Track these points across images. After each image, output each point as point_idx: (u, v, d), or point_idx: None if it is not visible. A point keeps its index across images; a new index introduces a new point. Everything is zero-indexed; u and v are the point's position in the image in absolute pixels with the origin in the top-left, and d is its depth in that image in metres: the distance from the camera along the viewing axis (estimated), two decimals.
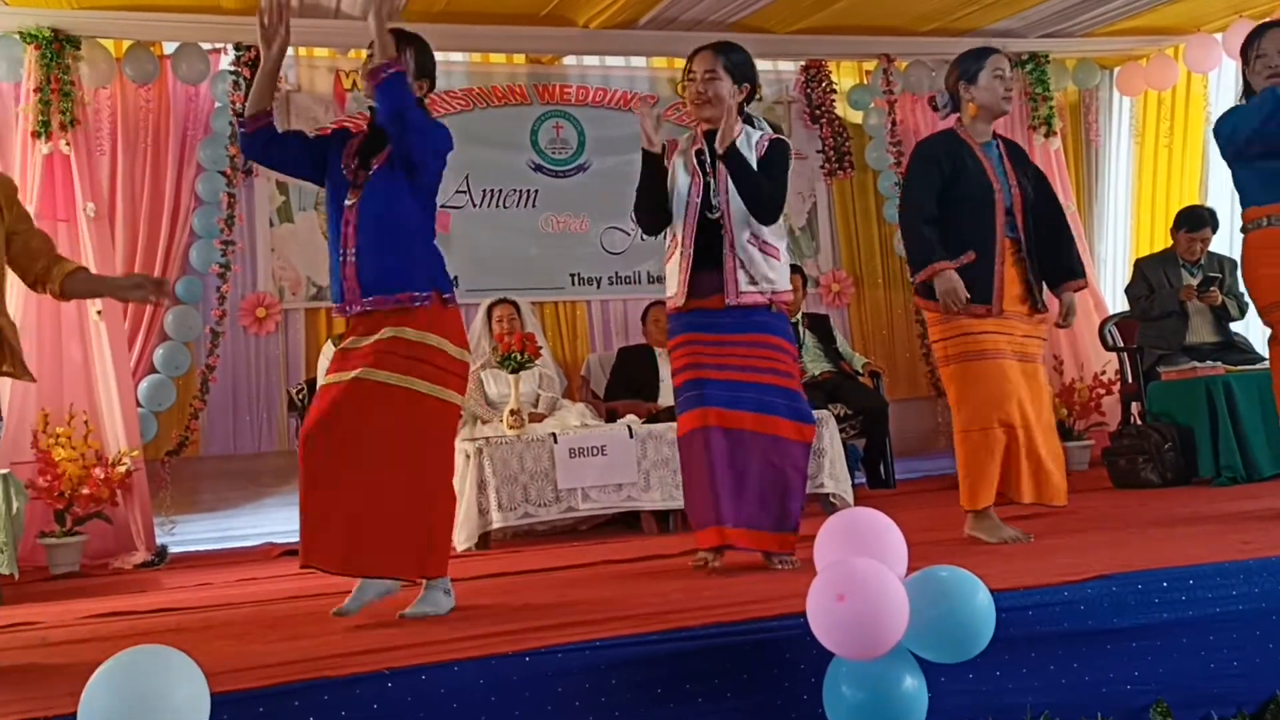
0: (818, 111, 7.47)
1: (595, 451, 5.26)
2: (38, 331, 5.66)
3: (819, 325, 6.92)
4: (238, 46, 6.20)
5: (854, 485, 5.78)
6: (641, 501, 5.32)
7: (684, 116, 3.57)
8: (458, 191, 6.89)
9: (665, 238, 3.82)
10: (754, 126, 3.75)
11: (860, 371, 6.79)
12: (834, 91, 7.48)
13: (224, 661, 2.43)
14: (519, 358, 5.48)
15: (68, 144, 5.75)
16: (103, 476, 5.40)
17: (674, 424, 5.35)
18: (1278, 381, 4.00)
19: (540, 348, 5.86)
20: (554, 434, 5.27)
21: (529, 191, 7.07)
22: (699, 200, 3.66)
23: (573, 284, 7.11)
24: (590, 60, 7.29)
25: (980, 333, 3.78)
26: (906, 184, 3.97)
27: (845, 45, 7.24)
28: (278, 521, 6.13)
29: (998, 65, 3.84)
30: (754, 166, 3.62)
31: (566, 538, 5.39)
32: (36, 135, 5.71)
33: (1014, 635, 2.45)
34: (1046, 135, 7.43)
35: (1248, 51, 3.98)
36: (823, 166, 7.56)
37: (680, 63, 7.33)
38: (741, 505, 3.56)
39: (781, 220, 3.73)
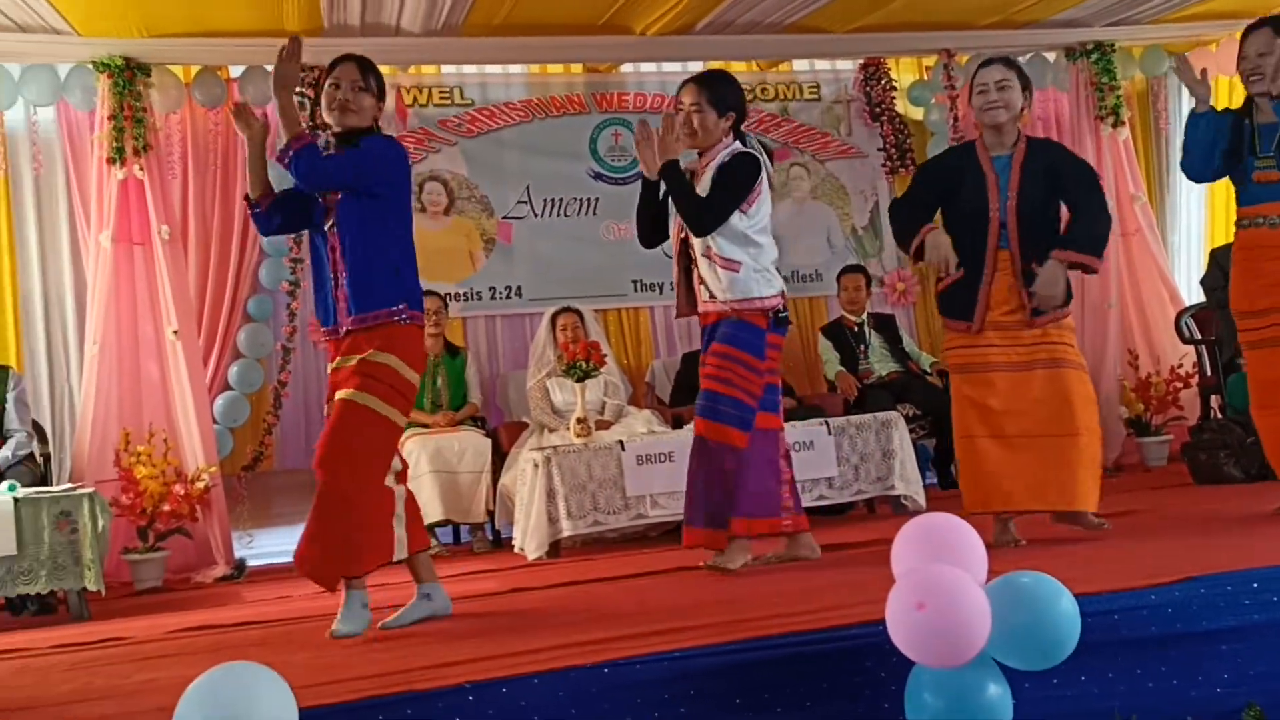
0: (878, 109, 7.41)
1: (663, 458, 5.25)
2: (117, 351, 5.82)
3: (885, 325, 6.86)
4: (302, 68, 6.29)
5: (925, 486, 5.73)
6: None
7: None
8: (519, 202, 6.94)
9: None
10: (745, 145, 3.95)
11: (928, 371, 6.72)
12: (894, 89, 7.42)
13: (308, 675, 2.47)
14: (584, 366, 5.50)
15: (141, 169, 5.90)
16: (182, 493, 5.52)
17: None
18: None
19: (605, 355, 5.88)
20: (621, 441, 5.28)
21: (589, 200, 7.11)
22: (680, 223, 3.94)
23: (635, 290, 7.13)
24: (647, 67, 7.30)
25: (978, 346, 3.81)
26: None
27: (904, 42, 7.18)
28: None
29: (981, 80, 3.82)
30: (691, 184, 3.89)
31: (636, 544, 5.38)
32: (111, 161, 5.86)
33: (1099, 640, 2.41)
34: (1114, 125, 7.29)
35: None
36: (884, 165, 7.50)
37: (738, 66, 7.42)
38: (694, 507, 3.92)
39: (745, 230, 3.84)
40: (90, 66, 5.93)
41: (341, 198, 3.33)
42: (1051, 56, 7.42)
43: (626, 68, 7.29)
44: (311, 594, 4.65)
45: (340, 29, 6.17)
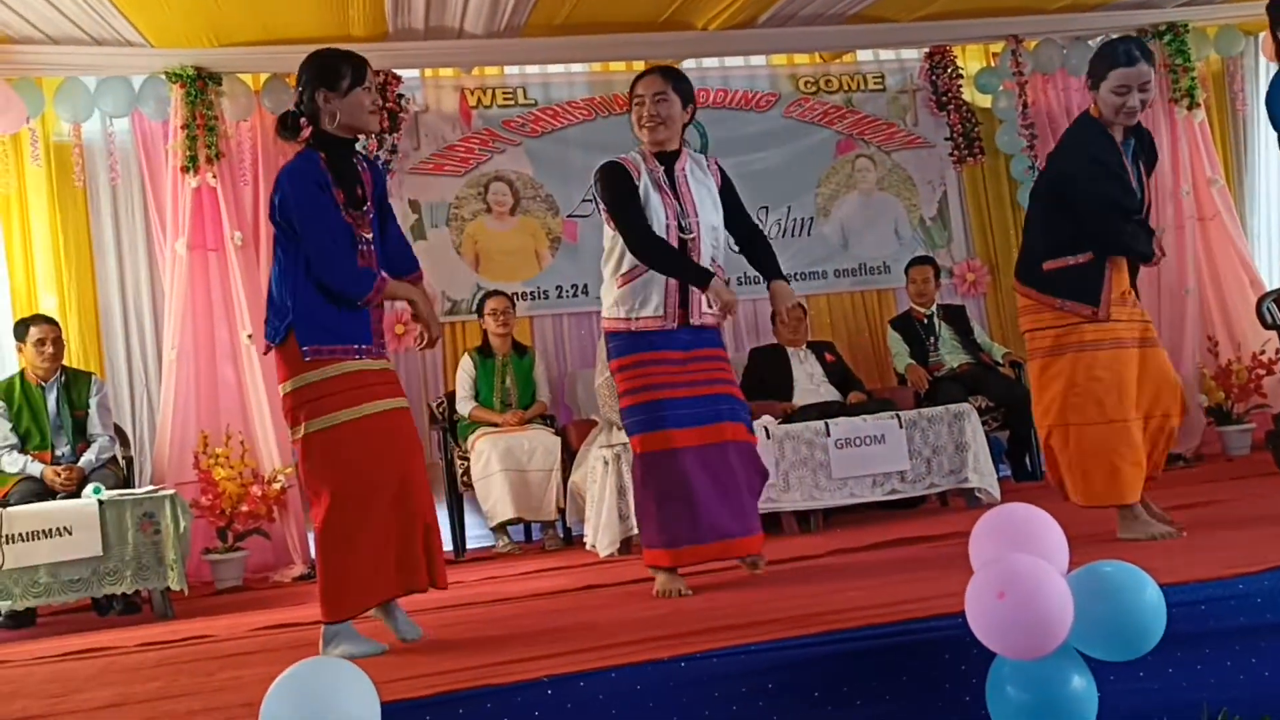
0: (944, 98, 7.32)
1: None
2: (194, 356, 5.94)
3: (955, 316, 6.77)
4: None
5: (999, 478, 5.64)
6: (781, 503, 5.28)
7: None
8: (584, 201, 6.96)
9: (619, 254, 3.70)
10: (687, 147, 3.84)
11: (1000, 362, 6.62)
12: (960, 76, 7.33)
13: (388, 671, 2.50)
14: None
15: (214, 176, 6.02)
16: (260, 494, 5.62)
17: (811, 423, 5.39)
18: None
19: None
20: None
21: None
22: (675, 224, 3.66)
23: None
24: (710, 62, 7.28)
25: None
26: (1070, 177, 3.60)
27: (971, 29, 7.08)
28: None
29: (1121, 82, 3.54)
30: (700, 191, 3.72)
31: None
32: (185, 170, 5.99)
33: (1186, 631, 2.36)
34: (1189, 108, 7.13)
35: (1276, 12, 3.71)
36: (951, 154, 7.41)
37: (801, 59, 7.38)
38: (735, 514, 3.66)
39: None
40: (163, 77, 6.06)
41: (373, 216, 3.23)
42: None
43: (688, 63, 7.25)
44: None
45: (405, 33, 6.25)
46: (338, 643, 3.01)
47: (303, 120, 3.17)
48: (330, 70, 3.15)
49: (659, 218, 3.65)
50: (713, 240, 3.73)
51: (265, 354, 3.21)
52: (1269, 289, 6.93)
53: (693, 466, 3.61)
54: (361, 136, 3.31)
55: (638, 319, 3.68)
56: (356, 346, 3.11)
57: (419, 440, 3.24)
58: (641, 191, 3.66)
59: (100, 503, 4.66)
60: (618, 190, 3.66)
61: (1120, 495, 3.54)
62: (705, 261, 3.68)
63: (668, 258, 3.62)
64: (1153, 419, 3.61)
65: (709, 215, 3.73)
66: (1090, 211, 3.57)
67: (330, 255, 3.04)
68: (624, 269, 3.70)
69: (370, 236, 3.16)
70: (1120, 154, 3.62)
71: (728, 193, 3.83)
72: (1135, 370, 3.59)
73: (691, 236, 3.67)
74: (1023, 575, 2.08)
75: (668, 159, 3.73)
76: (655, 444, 3.63)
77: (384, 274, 3.15)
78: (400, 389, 3.24)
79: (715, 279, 3.61)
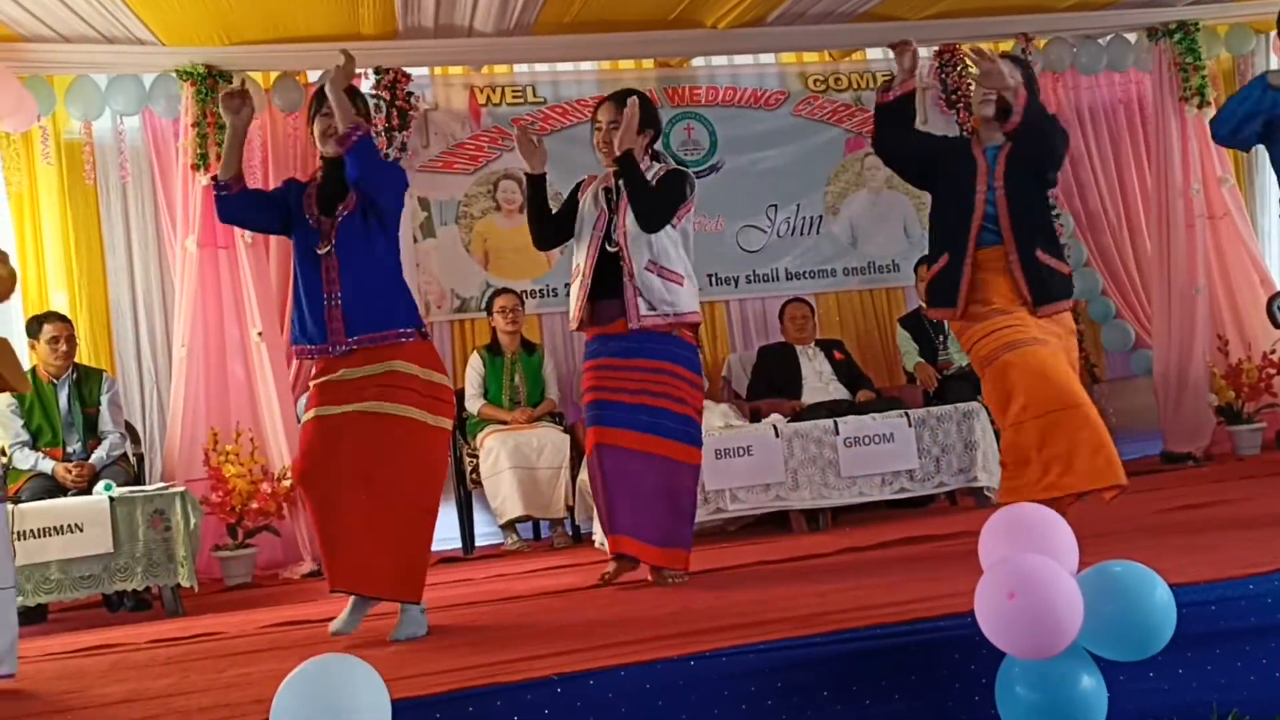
0: (953, 96, 7.29)
1: (741, 452, 5.24)
2: (204, 353, 5.96)
3: None
4: (377, 71, 6.39)
5: None
6: (790, 501, 5.28)
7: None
8: None
9: (574, 263, 4.02)
10: (659, 160, 4.03)
11: None
12: (970, 75, 7.30)
13: (398, 668, 2.51)
14: None
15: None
16: (269, 491, 5.64)
17: (820, 422, 5.40)
18: None
19: None
20: None
21: None
22: (601, 234, 3.92)
23: (710, 284, 7.10)
24: (719, 60, 7.28)
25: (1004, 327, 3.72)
26: None
27: (980, 27, 7.04)
28: None
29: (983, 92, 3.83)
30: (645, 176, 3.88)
31: (715, 539, 5.38)
32: (195, 168, 5.99)
33: (1196, 631, 2.36)
34: (1200, 106, 7.10)
35: None
36: None
37: (810, 57, 7.37)
38: (631, 517, 3.81)
39: (685, 248, 3.95)
40: (174, 75, 6.07)
41: (346, 216, 3.38)
42: (1133, 37, 7.25)
43: (698, 61, 7.27)
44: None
45: (415, 31, 6.25)
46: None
47: None
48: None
49: (587, 226, 3.96)
50: (646, 249, 3.85)
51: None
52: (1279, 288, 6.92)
53: (612, 466, 3.83)
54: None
55: (580, 324, 3.99)
56: (311, 347, 3.44)
57: (399, 449, 3.30)
58: (582, 204, 4.01)
59: (111, 499, 4.68)
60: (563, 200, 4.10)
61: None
62: (637, 268, 3.83)
63: (534, 206, 4.09)
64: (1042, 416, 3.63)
65: (635, 225, 3.87)
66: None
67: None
68: (570, 277, 4.04)
69: (331, 243, 3.40)
70: (969, 148, 3.88)
71: (658, 184, 3.93)
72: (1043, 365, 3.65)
73: (617, 248, 3.87)
74: (1033, 575, 2.08)
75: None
76: (591, 439, 3.91)
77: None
78: (397, 395, 3.32)
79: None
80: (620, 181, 3.90)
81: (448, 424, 3.42)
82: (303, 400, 6.22)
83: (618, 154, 3.86)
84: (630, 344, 3.87)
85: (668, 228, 3.88)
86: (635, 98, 3.91)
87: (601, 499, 3.89)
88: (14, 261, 5.93)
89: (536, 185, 4.07)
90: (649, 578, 3.89)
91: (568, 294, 6.85)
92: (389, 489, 3.23)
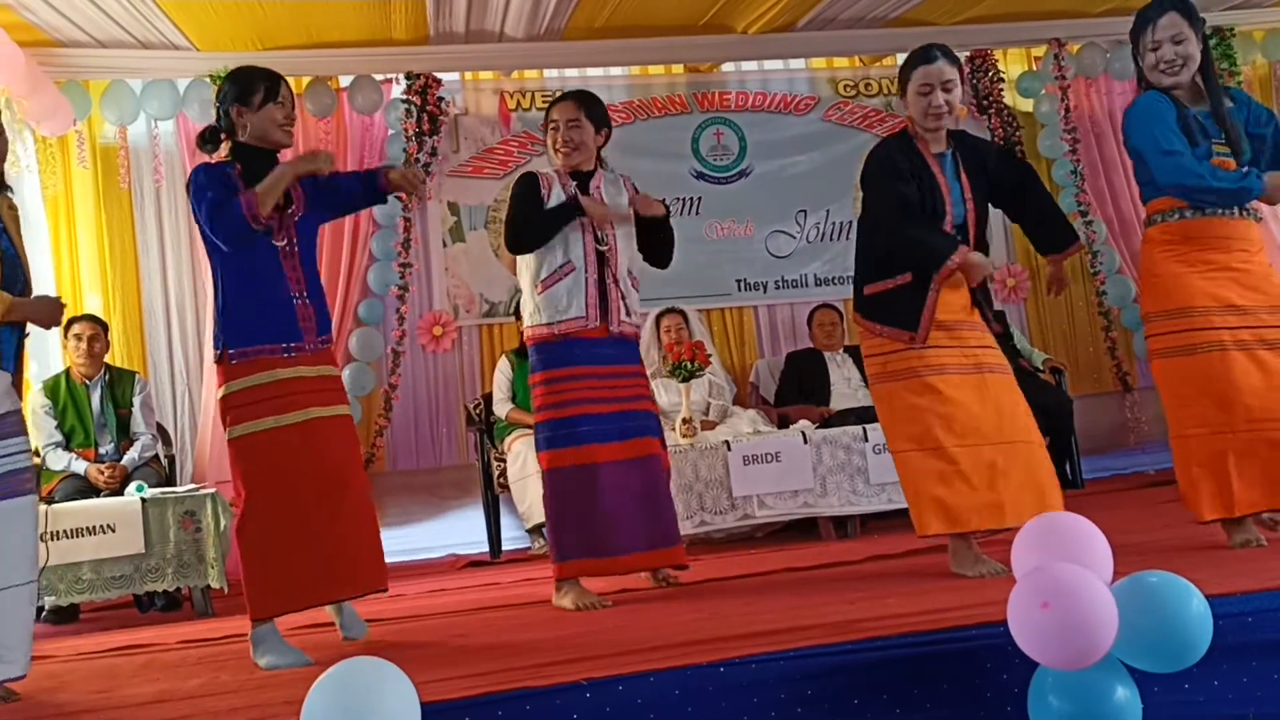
0: (985, 102, 7.27)
1: (769, 458, 5.23)
2: None
3: (995, 321, 6.70)
4: (408, 76, 6.44)
5: None
6: (818, 507, 5.26)
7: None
8: None
9: (559, 258, 3.75)
10: (604, 167, 3.96)
11: (1040, 368, 6.56)
12: (1002, 80, 7.27)
13: (427, 671, 2.51)
14: (689, 366, 5.50)
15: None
16: None
17: (849, 428, 5.36)
18: None
19: (709, 355, 5.86)
20: (727, 442, 5.27)
21: (692, 199, 7.10)
22: (592, 232, 3.78)
23: (739, 290, 7.11)
24: (749, 66, 7.28)
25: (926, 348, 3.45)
26: (869, 200, 3.61)
27: (1012, 32, 7.03)
28: (459, 533, 6.34)
29: (924, 80, 3.45)
30: (616, 205, 3.80)
31: (744, 545, 5.37)
32: None
33: (1233, 643, 2.33)
34: None
35: (1139, 37, 3.50)
36: None
37: (840, 62, 7.35)
38: (635, 531, 3.70)
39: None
40: (208, 80, 6.13)
41: (304, 217, 3.28)
42: None
43: (728, 66, 7.27)
44: (425, 591, 4.75)
45: (445, 36, 6.29)
46: (263, 650, 3.11)
47: (223, 134, 3.30)
48: (244, 86, 3.27)
49: (574, 230, 3.76)
50: (629, 252, 3.87)
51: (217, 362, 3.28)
52: None
53: (611, 481, 3.67)
54: (283, 150, 3.33)
55: (560, 323, 3.73)
56: (284, 345, 3.17)
57: (355, 448, 3.35)
58: (549, 199, 3.80)
59: (143, 500, 4.72)
60: (522, 198, 3.79)
61: (928, 525, 3.41)
62: (622, 272, 3.81)
63: (544, 220, 3.74)
64: (1001, 445, 3.40)
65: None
66: (877, 219, 3.56)
67: (212, 208, 3.09)
68: (543, 275, 3.78)
69: (284, 243, 3.20)
70: (923, 164, 3.50)
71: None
72: (972, 396, 3.43)
73: (607, 248, 3.79)
74: (1067, 585, 2.06)
75: (583, 177, 3.87)
76: (569, 459, 3.68)
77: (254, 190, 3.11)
78: (338, 396, 3.32)
79: (587, 199, 3.74)
80: (588, 183, 3.84)
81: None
82: None
83: (648, 215, 3.81)
84: (609, 350, 3.77)
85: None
86: (601, 108, 3.90)
87: (597, 521, 3.66)
88: (49, 265, 6.05)
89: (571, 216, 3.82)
90: (649, 584, 3.93)
91: None
92: (358, 487, 3.28)
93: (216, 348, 3.20)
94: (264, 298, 3.17)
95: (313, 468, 3.16)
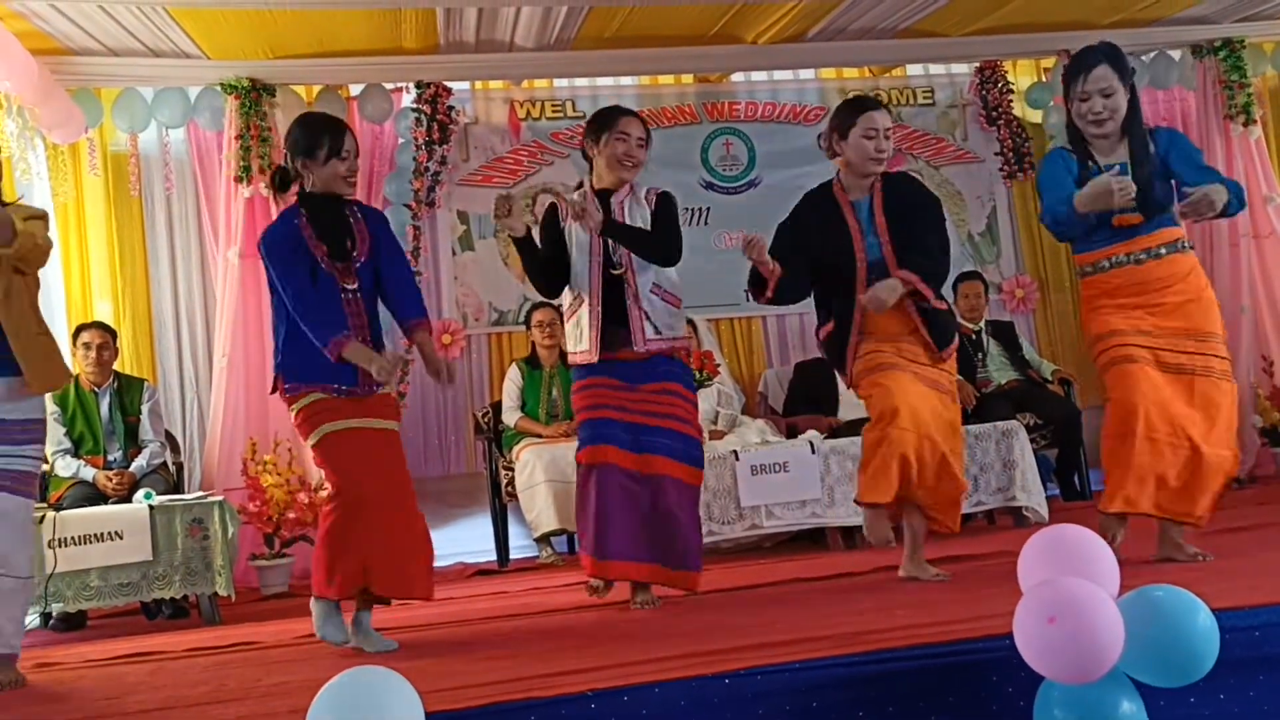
0: (994, 113, 7.27)
1: (778, 468, 5.23)
2: (244, 364, 6.02)
3: (1003, 332, 6.71)
4: (418, 85, 6.45)
5: (1047, 497, 5.58)
6: (827, 518, 5.26)
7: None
8: None
9: (575, 289, 3.87)
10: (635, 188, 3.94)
11: (1049, 379, 6.55)
12: (1011, 91, 7.27)
13: (432, 680, 2.51)
14: (697, 376, 5.50)
15: (266, 186, 6.09)
16: (306, 501, 5.66)
17: (857, 438, 5.34)
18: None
19: (718, 365, 5.87)
20: (735, 451, 5.26)
21: (701, 210, 7.11)
22: (599, 259, 3.79)
23: (748, 300, 7.04)
24: (758, 76, 7.29)
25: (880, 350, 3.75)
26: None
27: (1022, 44, 7.03)
28: (467, 541, 6.33)
29: (870, 125, 3.74)
30: (635, 224, 3.79)
31: (751, 555, 5.36)
32: (239, 180, 6.07)
33: (1239, 657, 2.31)
34: (1245, 124, 7.02)
35: (1070, 85, 3.61)
36: (1001, 169, 7.36)
37: (850, 73, 7.35)
38: (628, 541, 3.70)
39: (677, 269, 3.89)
40: (218, 88, 6.16)
41: (363, 261, 3.44)
42: (1177, 54, 7.19)
43: (737, 76, 7.28)
44: (434, 600, 4.74)
45: (456, 45, 6.31)
46: (323, 623, 3.40)
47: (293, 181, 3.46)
48: (311, 141, 3.40)
49: (584, 253, 3.80)
50: (651, 271, 3.81)
51: (271, 393, 3.54)
52: None
53: (616, 485, 3.70)
54: (352, 183, 3.50)
55: (579, 353, 3.84)
56: (335, 386, 3.37)
57: (403, 464, 3.48)
58: (570, 230, 3.85)
59: (151, 508, 4.73)
60: (541, 231, 3.94)
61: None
62: (644, 290, 3.78)
63: (532, 268, 3.88)
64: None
65: None
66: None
67: (302, 309, 3.32)
68: (567, 305, 3.91)
69: (354, 287, 3.41)
70: (837, 214, 3.79)
71: (655, 221, 3.84)
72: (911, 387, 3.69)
73: (622, 270, 3.78)
74: (1073, 599, 2.05)
75: (606, 193, 3.86)
76: (586, 457, 3.77)
77: (345, 334, 3.31)
78: (389, 413, 3.49)
79: (600, 222, 3.73)
80: (609, 201, 3.82)
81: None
82: None
83: (599, 231, 3.75)
84: (637, 369, 3.78)
85: None
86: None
87: (592, 520, 3.72)
88: (59, 272, 6.08)
89: (525, 245, 3.88)
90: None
91: None
92: (411, 498, 3.44)
93: (275, 373, 3.44)
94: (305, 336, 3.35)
95: (385, 466, 3.37)
